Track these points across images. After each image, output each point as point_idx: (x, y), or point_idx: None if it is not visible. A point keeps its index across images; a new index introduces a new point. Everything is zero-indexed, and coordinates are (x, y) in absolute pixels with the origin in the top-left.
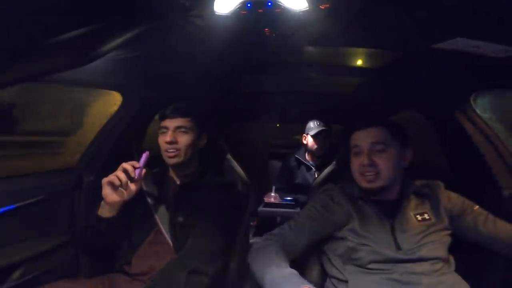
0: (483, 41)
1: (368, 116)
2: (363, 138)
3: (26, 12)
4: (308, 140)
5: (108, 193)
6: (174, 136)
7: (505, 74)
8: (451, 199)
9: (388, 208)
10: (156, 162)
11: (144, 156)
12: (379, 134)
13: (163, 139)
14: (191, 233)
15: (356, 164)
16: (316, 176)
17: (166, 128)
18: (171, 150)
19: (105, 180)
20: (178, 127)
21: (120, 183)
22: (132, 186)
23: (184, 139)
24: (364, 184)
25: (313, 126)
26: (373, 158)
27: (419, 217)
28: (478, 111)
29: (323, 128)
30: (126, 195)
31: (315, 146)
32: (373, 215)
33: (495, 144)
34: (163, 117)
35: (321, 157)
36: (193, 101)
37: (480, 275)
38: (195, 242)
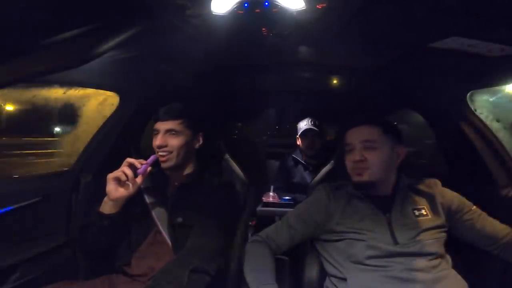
0: (479, 40)
1: (360, 115)
2: (354, 136)
3: (23, 12)
4: (299, 140)
5: (112, 189)
6: (164, 139)
7: (500, 73)
8: (448, 197)
9: (383, 204)
10: (154, 162)
11: (152, 157)
12: (370, 132)
13: (154, 143)
14: (191, 233)
15: (349, 160)
16: (314, 175)
17: (158, 131)
18: (162, 154)
19: (110, 175)
20: (169, 130)
21: (126, 178)
22: (137, 180)
23: (174, 142)
24: (355, 178)
25: (301, 126)
26: (364, 155)
27: (417, 212)
28: (474, 109)
29: (309, 127)
30: (131, 189)
31: (303, 146)
32: (368, 211)
33: (492, 142)
34: (155, 119)
35: (314, 157)
36: (190, 101)
37: (478, 273)
38: (195, 242)
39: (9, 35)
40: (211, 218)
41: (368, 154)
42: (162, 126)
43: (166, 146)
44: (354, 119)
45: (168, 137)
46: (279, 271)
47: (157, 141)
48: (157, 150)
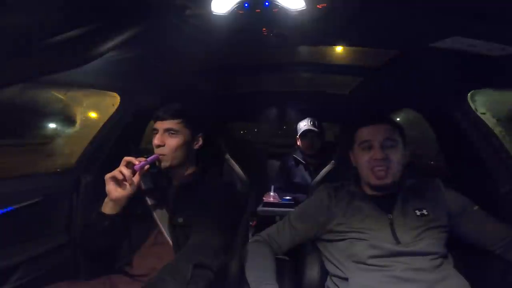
0: (479, 39)
1: (374, 113)
2: (374, 134)
3: (23, 12)
4: (299, 141)
5: (112, 189)
6: (162, 139)
7: (501, 72)
8: (450, 197)
9: (385, 204)
10: (154, 163)
11: (154, 156)
12: (390, 130)
13: (153, 142)
14: (192, 232)
15: (366, 158)
16: (315, 175)
17: (157, 130)
18: (160, 153)
19: (108, 175)
20: (167, 130)
21: (123, 177)
22: (134, 178)
23: (172, 142)
24: (374, 181)
25: (301, 127)
26: (386, 153)
27: (418, 212)
28: (475, 109)
29: (309, 127)
30: (130, 189)
31: (303, 146)
32: (370, 211)
33: (492, 141)
34: (155, 119)
35: (315, 157)
36: (190, 101)
37: (480, 272)
38: (197, 239)
39: (9, 35)
40: (212, 218)
41: (390, 152)
42: (161, 125)
43: (163, 145)
44: (371, 116)
45: (166, 137)
46: (280, 271)
47: (156, 140)
48: (155, 150)
